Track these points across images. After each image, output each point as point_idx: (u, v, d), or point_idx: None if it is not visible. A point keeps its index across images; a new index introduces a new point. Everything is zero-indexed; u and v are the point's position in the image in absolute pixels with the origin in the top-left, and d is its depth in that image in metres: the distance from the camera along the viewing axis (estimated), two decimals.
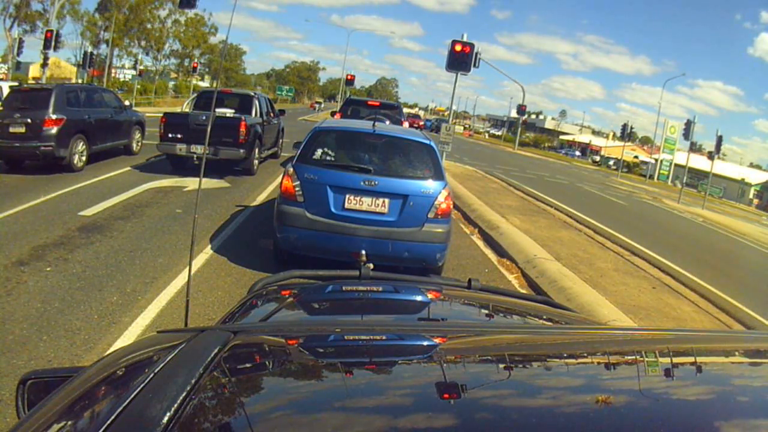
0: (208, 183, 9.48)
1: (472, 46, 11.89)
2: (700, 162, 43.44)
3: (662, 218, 17.85)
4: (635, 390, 0.78)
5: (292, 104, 68.34)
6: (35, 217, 6.47)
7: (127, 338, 3.77)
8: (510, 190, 14.89)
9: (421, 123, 47.25)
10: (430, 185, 5.20)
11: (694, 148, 34.17)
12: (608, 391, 0.78)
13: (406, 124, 13.02)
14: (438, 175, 5.30)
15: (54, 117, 9.06)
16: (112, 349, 2.77)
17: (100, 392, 0.79)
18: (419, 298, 1.59)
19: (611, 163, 52.85)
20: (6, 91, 11.87)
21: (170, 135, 10.12)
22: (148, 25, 45.92)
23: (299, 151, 5.44)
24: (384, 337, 1.03)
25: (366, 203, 5.08)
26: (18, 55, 31.88)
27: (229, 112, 11.08)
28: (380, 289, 1.60)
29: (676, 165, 48.00)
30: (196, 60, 51.10)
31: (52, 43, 23.58)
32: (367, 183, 5.07)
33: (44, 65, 25.19)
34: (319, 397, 0.76)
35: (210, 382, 0.72)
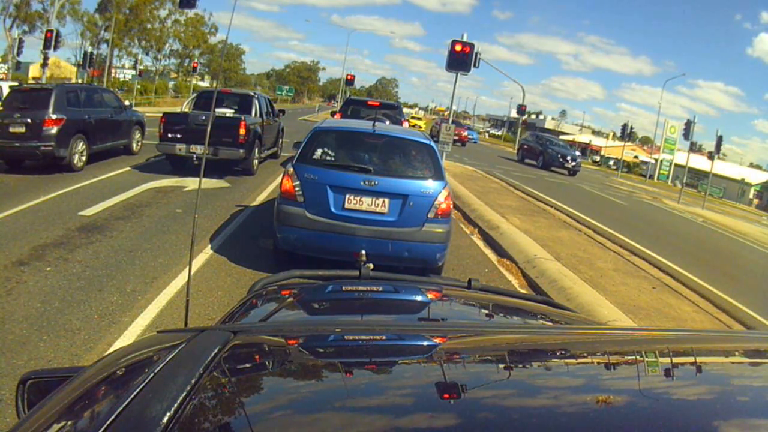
0: (208, 183, 9.48)
1: (472, 46, 11.87)
2: (700, 162, 43.40)
3: (662, 218, 17.84)
4: (635, 390, 0.78)
5: (292, 104, 68.32)
6: (35, 217, 6.47)
7: (127, 338, 3.77)
8: (510, 190, 14.87)
9: (465, 134, 34.09)
10: (430, 185, 5.20)
11: (694, 148, 34.10)
12: (608, 391, 0.78)
13: (405, 124, 13.00)
14: (438, 175, 5.30)
15: (54, 117, 9.06)
16: (112, 349, 2.77)
17: (100, 392, 0.79)
18: (419, 298, 1.58)
19: (611, 163, 52.76)
20: (6, 91, 11.87)
21: (170, 135, 10.13)
22: (148, 25, 45.85)
23: (299, 151, 5.44)
24: (384, 337, 1.03)
25: (366, 203, 5.08)
26: (18, 55, 31.81)
27: (228, 112, 11.09)
28: (380, 289, 1.60)
29: (676, 165, 47.89)
30: (196, 60, 51.04)
31: (52, 43, 23.53)
32: (367, 183, 5.07)
33: (44, 65, 25.14)
34: (319, 397, 0.75)
35: (210, 382, 0.72)
